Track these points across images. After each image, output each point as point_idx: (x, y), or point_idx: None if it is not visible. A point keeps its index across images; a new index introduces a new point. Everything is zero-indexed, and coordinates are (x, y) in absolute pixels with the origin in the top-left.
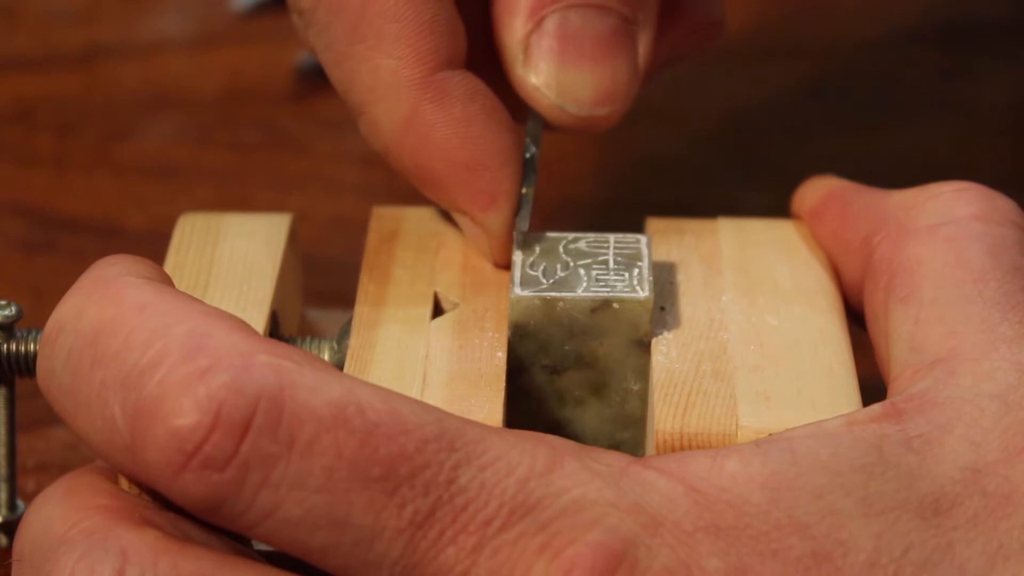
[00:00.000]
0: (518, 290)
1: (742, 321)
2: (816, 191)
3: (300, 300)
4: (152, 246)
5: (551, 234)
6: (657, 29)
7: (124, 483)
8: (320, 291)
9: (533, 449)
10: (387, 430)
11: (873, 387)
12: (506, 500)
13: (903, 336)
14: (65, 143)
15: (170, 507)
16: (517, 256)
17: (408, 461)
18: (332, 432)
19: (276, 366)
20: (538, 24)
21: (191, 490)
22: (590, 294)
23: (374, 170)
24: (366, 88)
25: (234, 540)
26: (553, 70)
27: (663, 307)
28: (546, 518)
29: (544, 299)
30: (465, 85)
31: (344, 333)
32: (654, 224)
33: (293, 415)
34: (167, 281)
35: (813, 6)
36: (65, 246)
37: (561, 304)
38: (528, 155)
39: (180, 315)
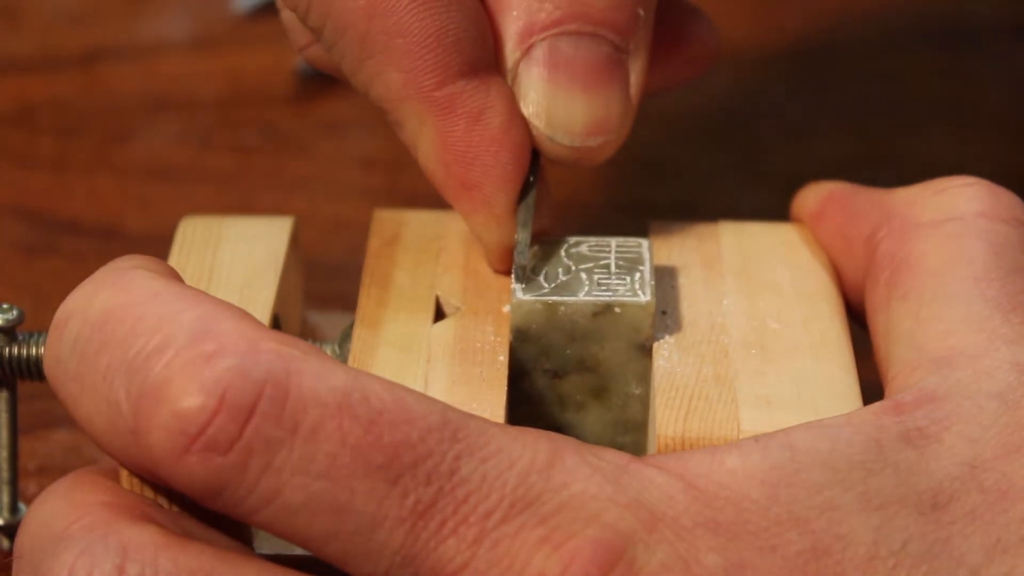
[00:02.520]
0: (520, 294)
1: (743, 325)
2: (817, 193)
3: (301, 303)
4: (153, 249)
5: (553, 238)
6: (650, 58)
7: (125, 480)
8: (321, 294)
9: (535, 443)
10: (391, 418)
11: (874, 389)
12: (507, 493)
13: (903, 333)
14: (66, 145)
15: (171, 501)
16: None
17: (411, 450)
18: (336, 419)
19: (282, 353)
20: (527, 52)
21: (194, 473)
22: (592, 298)
23: (375, 172)
24: (381, 97)
25: (235, 538)
26: (543, 99)
27: (664, 311)
28: (546, 512)
29: (546, 303)
30: (473, 102)
31: (346, 337)
32: (656, 227)
33: (298, 400)
34: (177, 278)
35: (813, 7)
36: (66, 248)
37: (563, 308)
38: (526, 185)
39: (188, 303)
